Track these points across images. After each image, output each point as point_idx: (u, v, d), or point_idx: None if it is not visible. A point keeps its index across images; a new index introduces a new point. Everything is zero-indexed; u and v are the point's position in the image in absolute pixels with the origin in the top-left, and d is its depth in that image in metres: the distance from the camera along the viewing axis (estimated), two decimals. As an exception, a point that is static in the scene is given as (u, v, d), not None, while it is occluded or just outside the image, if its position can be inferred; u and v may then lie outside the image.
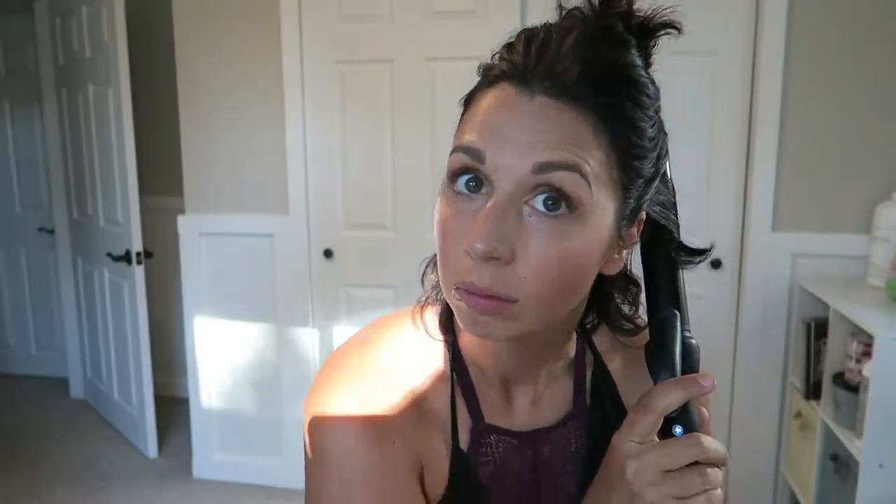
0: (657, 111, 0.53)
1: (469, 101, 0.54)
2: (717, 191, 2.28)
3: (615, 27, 0.50)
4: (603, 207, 0.50)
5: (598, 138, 0.48)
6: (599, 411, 0.64)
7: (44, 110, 3.60)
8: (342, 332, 2.64)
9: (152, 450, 3.00)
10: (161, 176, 3.34)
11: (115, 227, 2.94)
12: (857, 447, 1.70)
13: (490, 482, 0.61)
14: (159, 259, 3.13)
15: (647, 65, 0.53)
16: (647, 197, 0.54)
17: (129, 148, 2.76)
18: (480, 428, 0.61)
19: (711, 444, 0.51)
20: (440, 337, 0.62)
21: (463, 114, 0.54)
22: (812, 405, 2.00)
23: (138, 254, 2.82)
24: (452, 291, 0.51)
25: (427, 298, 0.63)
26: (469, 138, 0.50)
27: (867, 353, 1.73)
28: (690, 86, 2.25)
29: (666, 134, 0.55)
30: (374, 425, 0.56)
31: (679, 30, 0.54)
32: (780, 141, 2.17)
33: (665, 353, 0.55)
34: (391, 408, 0.57)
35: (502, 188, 0.48)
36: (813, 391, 2.01)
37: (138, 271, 2.84)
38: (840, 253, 2.16)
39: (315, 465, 0.57)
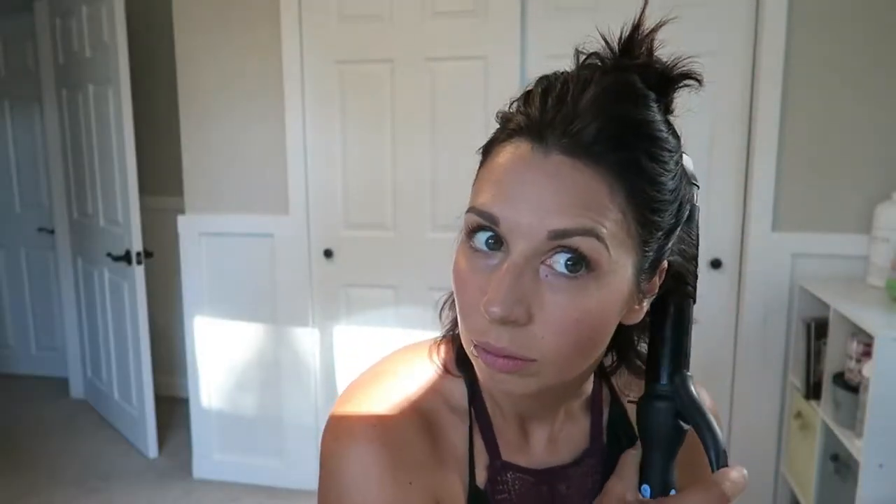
0: (678, 162, 0.52)
1: (487, 152, 0.53)
2: (717, 191, 2.28)
3: (634, 83, 0.49)
4: (622, 265, 0.49)
5: (615, 198, 0.47)
6: (616, 449, 0.62)
7: (44, 110, 3.60)
8: (342, 331, 2.65)
9: (152, 450, 3.00)
10: (161, 176, 3.34)
11: (115, 227, 2.94)
12: (857, 447, 1.70)
13: None
14: (159, 259, 3.13)
15: (668, 114, 0.52)
16: (668, 247, 0.53)
17: (129, 148, 2.76)
18: (497, 465, 0.60)
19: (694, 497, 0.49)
20: (458, 373, 0.61)
21: (481, 164, 0.53)
22: (812, 405, 2.00)
23: (138, 254, 2.82)
24: (472, 348, 0.51)
25: (444, 335, 0.63)
26: (483, 200, 0.49)
27: (867, 353, 1.73)
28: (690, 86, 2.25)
29: (692, 183, 0.54)
30: (391, 460, 0.55)
31: (700, 81, 0.53)
32: (780, 141, 2.17)
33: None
34: (409, 442, 0.56)
35: (518, 250, 0.48)
36: (813, 391, 2.01)
37: (138, 271, 2.84)
38: (840, 253, 2.16)
39: (330, 495, 0.56)
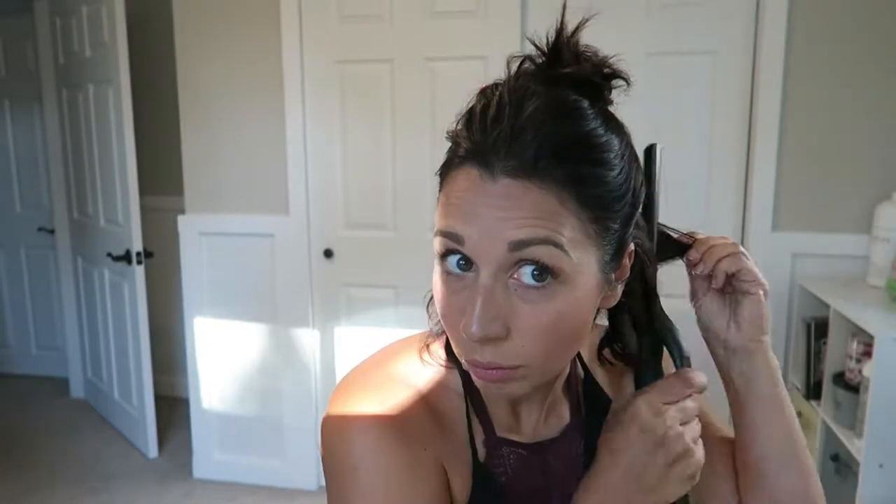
0: (624, 154, 0.54)
1: (443, 175, 0.56)
2: (717, 191, 2.28)
3: (566, 98, 0.52)
4: (586, 263, 0.52)
5: (566, 205, 0.50)
6: (594, 419, 0.67)
7: (44, 110, 3.60)
8: (342, 331, 2.65)
9: (152, 450, 3.00)
10: (161, 176, 3.34)
11: (116, 226, 2.94)
12: (857, 447, 1.70)
13: (505, 492, 0.64)
14: (159, 259, 3.13)
15: (605, 111, 0.55)
16: (630, 232, 0.57)
17: (129, 148, 2.76)
18: (493, 440, 0.64)
19: (696, 374, 0.61)
20: (451, 365, 0.65)
21: (440, 188, 0.56)
22: (812, 405, 2.00)
23: (138, 254, 2.82)
24: (464, 362, 0.57)
25: (433, 331, 0.66)
26: (447, 223, 0.53)
27: (867, 353, 1.73)
28: (690, 86, 2.25)
29: (638, 162, 0.58)
30: (401, 429, 0.57)
31: (627, 81, 0.56)
32: (780, 141, 2.17)
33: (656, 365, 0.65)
34: (416, 417, 0.59)
35: (485, 270, 0.51)
36: (813, 391, 2.01)
37: (138, 271, 2.84)
38: (840, 253, 2.16)
39: (340, 471, 0.57)
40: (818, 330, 1.99)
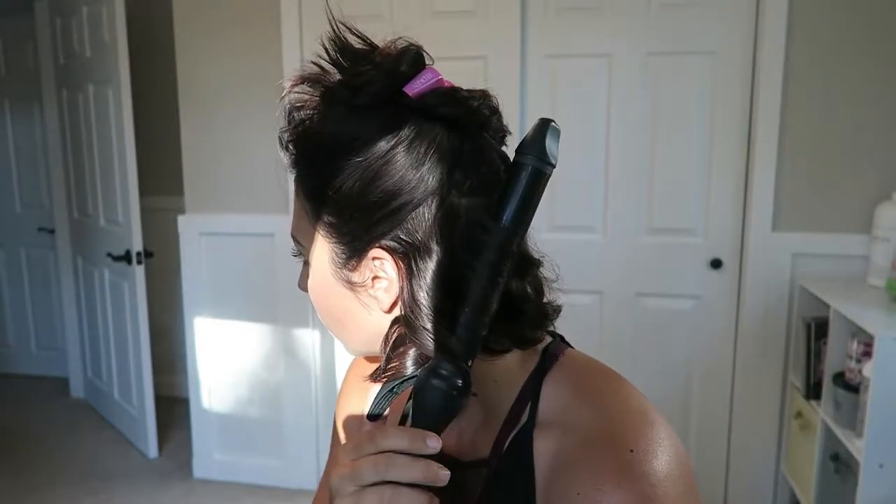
0: (369, 162, 0.54)
1: None
2: (717, 191, 2.28)
3: (314, 106, 0.58)
4: (317, 254, 0.60)
5: (299, 199, 0.61)
6: (508, 467, 0.58)
7: (44, 110, 3.60)
8: (342, 331, 2.64)
9: (152, 450, 3.00)
10: (161, 176, 3.34)
11: (116, 226, 2.94)
12: (857, 447, 1.70)
13: None
14: (159, 259, 3.13)
15: (382, 117, 0.55)
16: (373, 239, 0.55)
17: (130, 147, 2.76)
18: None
19: (391, 432, 0.49)
20: None
21: None
22: (812, 405, 2.00)
23: (138, 253, 2.82)
24: None
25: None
26: None
27: (867, 353, 1.73)
28: (690, 86, 2.25)
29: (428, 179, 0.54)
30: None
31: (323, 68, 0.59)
32: (780, 141, 2.17)
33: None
34: None
35: None
36: (813, 391, 2.01)
37: (138, 271, 2.84)
38: (840, 253, 2.16)
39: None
40: (818, 330, 1.99)
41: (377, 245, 0.55)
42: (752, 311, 2.25)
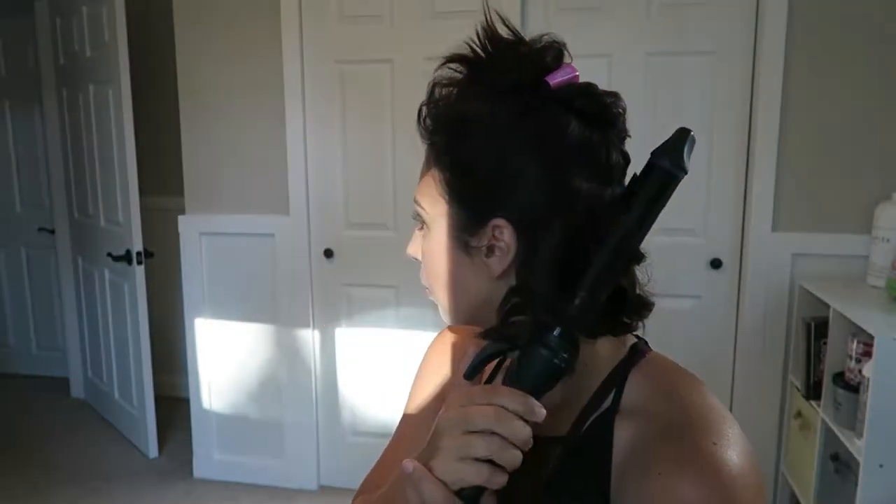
0: (498, 138, 0.59)
1: None
2: (717, 191, 2.28)
3: (454, 83, 0.64)
4: (438, 217, 0.63)
5: (430, 165, 0.65)
6: (589, 454, 0.60)
7: (44, 110, 3.60)
8: (342, 331, 2.65)
9: (153, 450, 3.00)
10: (161, 176, 3.34)
11: (116, 226, 2.94)
12: (857, 447, 1.70)
13: None
14: (159, 259, 3.13)
15: (510, 97, 0.60)
16: (495, 209, 0.59)
17: (130, 147, 2.76)
18: None
19: (515, 395, 0.53)
20: None
21: None
22: (812, 405, 2.00)
23: (139, 253, 2.82)
24: None
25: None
26: None
27: (867, 353, 1.73)
28: (690, 86, 2.25)
29: (542, 154, 0.58)
30: None
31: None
32: (780, 141, 2.17)
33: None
34: None
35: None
36: (813, 391, 2.01)
37: (139, 271, 2.84)
38: (840, 253, 2.16)
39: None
40: (818, 330, 1.99)
41: (500, 214, 0.59)
42: (752, 311, 2.25)
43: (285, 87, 2.51)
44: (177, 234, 2.70)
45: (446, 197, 0.62)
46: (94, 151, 3.06)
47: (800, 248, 2.20)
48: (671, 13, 2.23)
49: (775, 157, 2.17)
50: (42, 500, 2.71)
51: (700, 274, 2.32)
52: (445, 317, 0.68)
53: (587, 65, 2.62)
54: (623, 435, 0.58)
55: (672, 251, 2.33)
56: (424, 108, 0.65)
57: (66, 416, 3.49)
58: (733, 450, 0.53)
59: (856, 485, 1.67)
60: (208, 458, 2.83)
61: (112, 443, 3.17)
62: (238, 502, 2.68)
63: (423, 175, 0.65)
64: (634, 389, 0.61)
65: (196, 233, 2.69)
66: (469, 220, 0.61)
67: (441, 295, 0.66)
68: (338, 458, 2.72)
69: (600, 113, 0.59)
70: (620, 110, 0.60)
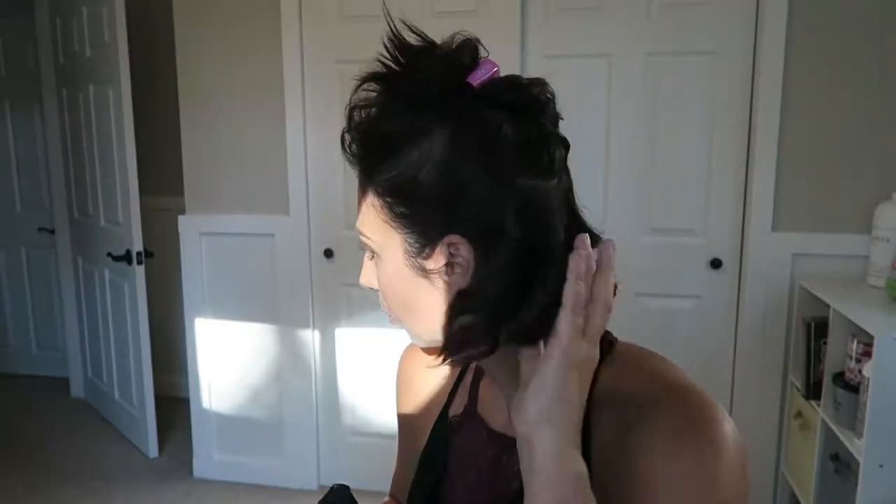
0: (429, 154, 0.56)
1: None
2: (716, 191, 2.28)
3: (375, 102, 0.59)
4: (390, 246, 0.59)
5: (366, 194, 0.61)
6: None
7: (44, 110, 3.60)
8: (342, 331, 2.65)
9: (153, 450, 3.00)
10: (161, 176, 3.34)
11: (116, 226, 2.94)
12: (857, 447, 1.70)
13: (454, 458, 0.70)
14: (159, 259, 3.13)
15: (431, 110, 0.57)
16: (444, 229, 0.56)
17: (130, 148, 2.76)
18: (469, 408, 0.72)
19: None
20: None
21: None
22: (812, 405, 2.00)
23: (139, 253, 2.82)
24: None
25: None
26: None
27: (867, 353, 1.73)
28: (690, 86, 2.25)
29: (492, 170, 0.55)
30: None
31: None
32: (780, 141, 2.17)
33: None
34: None
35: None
36: (813, 391, 2.01)
37: (139, 271, 2.84)
38: (840, 253, 2.16)
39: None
40: (818, 330, 1.99)
41: (452, 230, 0.56)
42: (752, 311, 2.25)
43: (285, 87, 2.51)
44: (177, 234, 2.70)
45: (391, 223, 0.59)
46: (94, 151, 3.06)
47: (800, 248, 2.20)
48: (671, 13, 2.23)
49: (775, 157, 2.17)
50: (42, 500, 2.71)
51: (700, 274, 2.32)
52: (419, 343, 0.66)
53: (587, 65, 2.62)
54: (601, 421, 0.59)
55: (672, 251, 2.33)
56: (347, 136, 0.62)
57: (66, 416, 3.49)
58: (722, 418, 0.55)
59: (856, 485, 1.67)
60: (208, 458, 2.83)
61: (112, 443, 3.17)
62: (238, 502, 2.68)
63: (360, 203, 0.62)
64: (606, 379, 0.61)
65: (196, 233, 2.69)
66: (421, 243, 0.58)
67: (406, 321, 0.65)
68: (338, 458, 2.72)
69: (529, 102, 0.57)
70: (549, 95, 0.59)
